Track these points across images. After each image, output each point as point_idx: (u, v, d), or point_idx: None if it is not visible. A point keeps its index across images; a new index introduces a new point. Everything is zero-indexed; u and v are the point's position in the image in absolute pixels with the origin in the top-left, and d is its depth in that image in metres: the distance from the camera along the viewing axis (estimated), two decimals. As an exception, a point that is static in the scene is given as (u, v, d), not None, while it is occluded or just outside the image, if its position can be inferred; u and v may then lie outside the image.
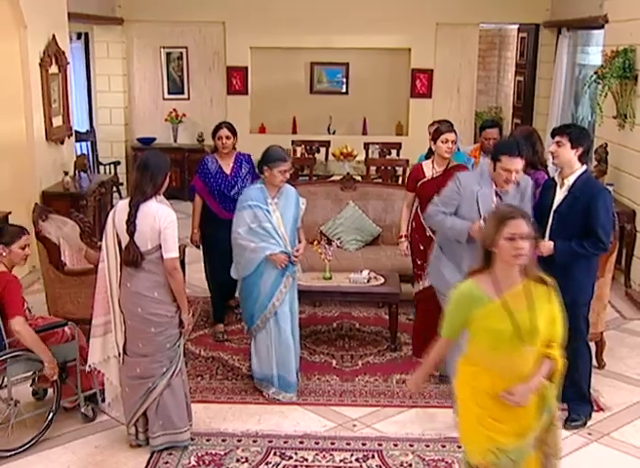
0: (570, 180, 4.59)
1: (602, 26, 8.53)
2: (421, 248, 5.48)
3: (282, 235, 5.03)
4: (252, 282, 5.06)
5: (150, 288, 4.20)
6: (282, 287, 5.05)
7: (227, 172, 5.95)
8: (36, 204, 6.07)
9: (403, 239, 5.75)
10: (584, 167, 4.63)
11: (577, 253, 4.52)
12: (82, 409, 4.74)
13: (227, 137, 5.90)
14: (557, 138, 4.62)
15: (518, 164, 4.54)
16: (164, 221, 4.14)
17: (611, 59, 7.54)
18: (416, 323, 5.75)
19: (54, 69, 7.95)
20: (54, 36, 7.82)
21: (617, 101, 7.67)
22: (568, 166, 4.59)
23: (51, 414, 4.59)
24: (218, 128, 5.96)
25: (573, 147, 4.54)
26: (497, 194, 4.69)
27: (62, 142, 8.22)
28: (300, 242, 5.25)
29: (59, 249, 5.73)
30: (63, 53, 8.12)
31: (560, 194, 4.64)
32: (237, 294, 5.63)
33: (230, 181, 5.93)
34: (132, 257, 4.16)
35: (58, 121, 8.12)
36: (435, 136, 5.41)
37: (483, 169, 4.83)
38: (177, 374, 4.35)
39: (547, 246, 4.52)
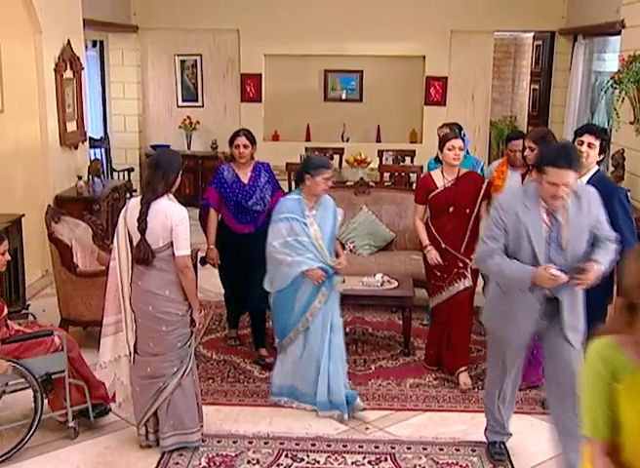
0: (584, 180, 4.51)
1: (619, 32, 8.47)
2: (437, 260, 5.29)
3: (320, 248, 4.82)
4: (286, 295, 4.88)
5: (161, 286, 4.17)
6: (317, 302, 4.84)
7: (245, 181, 5.56)
8: (49, 206, 6.07)
9: (429, 248, 5.29)
10: (597, 166, 4.61)
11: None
12: (70, 424, 4.50)
13: (245, 146, 5.51)
14: (589, 139, 4.48)
15: (568, 177, 3.66)
16: (176, 219, 4.11)
17: (628, 64, 7.47)
18: (431, 331, 5.64)
19: (68, 74, 7.97)
20: (69, 41, 7.84)
21: (634, 107, 7.59)
22: (588, 168, 4.52)
23: (32, 428, 4.30)
24: (235, 136, 5.57)
25: (601, 152, 4.52)
26: (548, 213, 3.83)
27: (76, 147, 8.23)
28: (337, 255, 5.00)
29: (71, 250, 5.72)
30: (78, 58, 8.15)
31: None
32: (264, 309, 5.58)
33: (248, 191, 5.54)
34: (143, 255, 4.13)
35: (72, 126, 8.13)
36: (441, 144, 5.24)
37: (527, 186, 4.04)
38: (187, 374, 4.30)
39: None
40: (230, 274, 5.76)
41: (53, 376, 4.40)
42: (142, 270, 4.19)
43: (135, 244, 4.18)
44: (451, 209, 5.15)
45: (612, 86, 7.68)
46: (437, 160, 6.62)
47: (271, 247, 4.78)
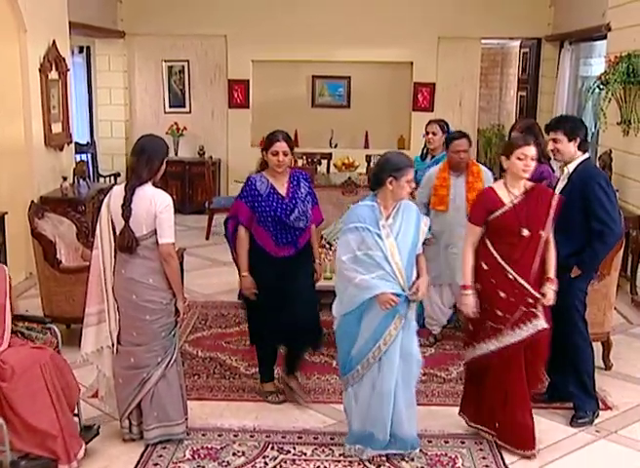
0: (570, 168, 4.61)
1: (605, 36, 8.51)
2: (502, 295, 4.16)
3: (395, 266, 3.97)
4: (353, 319, 4.07)
5: (145, 274, 4.09)
6: (392, 327, 4.01)
7: (283, 193, 4.64)
8: (32, 201, 5.98)
9: (469, 291, 4.25)
10: (586, 154, 4.63)
11: (597, 256, 4.55)
12: None
13: (285, 153, 4.56)
14: (552, 135, 4.63)
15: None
16: (160, 205, 4.05)
17: (614, 65, 7.49)
18: (471, 389, 4.50)
19: (54, 75, 7.91)
20: (54, 42, 7.79)
21: (620, 108, 7.61)
22: (570, 158, 4.59)
23: None
24: (273, 140, 4.59)
25: (570, 140, 4.55)
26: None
27: (62, 149, 8.16)
28: (419, 275, 4.12)
29: (54, 246, 5.63)
30: (64, 59, 8.09)
31: (561, 183, 4.66)
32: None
33: (288, 204, 4.60)
34: (126, 242, 4.05)
35: (57, 127, 8.06)
36: (508, 151, 4.21)
37: None
38: (172, 365, 4.22)
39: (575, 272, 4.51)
40: (266, 308, 4.69)
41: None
42: (126, 258, 4.11)
43: (118, 231, 4.11)
44: (524, 231, 4.12)
45: (598, 87, 7.70)
46: (422, 157, 6.62)
47: (340, 262, 4.04)
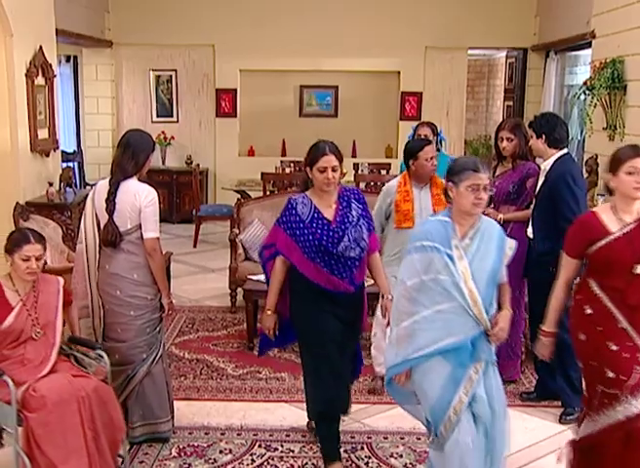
0: (547, 165, 4.67)
1: (589, 45, 8.56)
2: (613, 348, 3.27)
3: (469, 294, 3.22)
4: (423, 369, 3.31)
5: (129, 269, 4.05)
6: (472, 372, 3.26)
7: (329, 217, 3.84)
8: (17, 203, 5.92)
9: (549, 339, 3.59)
10: (564, 151, 4.67)
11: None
12: None
13: (334, 169, 3.79)
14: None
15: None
16: (144, 199, 4.02)
17: (600, 71, 7.54)
18: None
19: (40, 81, 7.85)
20: (41, 48, 7.74)
21: (606, 113, 7.64)
22: (544, 154, 4.70)
23: None
24: (318, 153, 3.82)
25: (538, 137, 4.66)
26: None
27: (48, 155, 8.08)
28: (500, 308, 3.37)
29: (39, 247, 5.57)
30: (50, 65, 8.03)
31: (540, 181, 4.74)
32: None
33: (336, 231, 3.81)
34: (110, 237, 4.02)
35: (43, 133, 7.99)
36: (614, 167, 3.33)
37: None
38: (157, 362, 4.17)
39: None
40: (322, 359, 3.86)
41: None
42: (110, 254, 4.08)
43: (102, 226, 4.07)
44: (638, 268, 3.24)
45: (584, 92, 7.74)
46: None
47: (402, 285, 3.32)
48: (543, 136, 4.63)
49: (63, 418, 3.48)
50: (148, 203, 4.02)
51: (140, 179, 4.12)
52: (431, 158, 4.75)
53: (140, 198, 4.00)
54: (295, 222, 3.84)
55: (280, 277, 3.95)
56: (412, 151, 4.80)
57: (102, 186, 4.12)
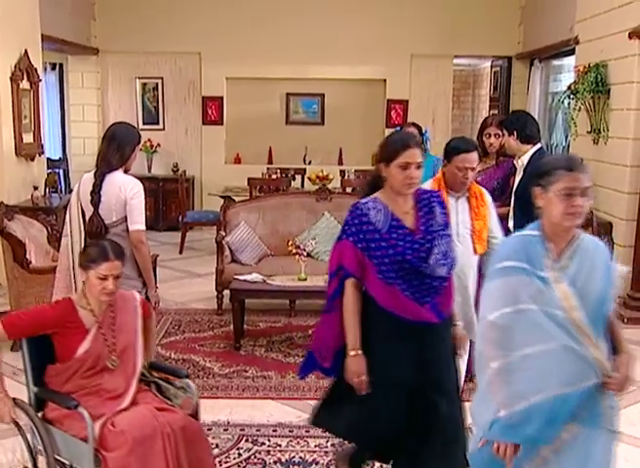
0: (524, 161, 4.78)
1: (573, 52, 8.64)
2: None
3: (577, 329, 2.47)
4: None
5: (115, 262, 4.01)
6: (563, 433, 2.48)
7: (410, 225, 3.10)
8: (1, 202, 5.88)
9: None
10: (538, 146, 4.82)
11: None
12: None
13: (419, 166, 3.06)
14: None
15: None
16: (130, 192, 4.01)
17: (583, 75, 7.60)
18: None
19: (25, 85, 7.84)
20: (26, 51, 7.74)
21: (590, 117, 7.70)
22: (517, 150, 4.83)
23: None
24: (400, 146, 3.06)
25: (510, 134, 4.80)
26: None
27: (33, 159, 8.07)
28: (615, 350, 2.59)
29: (24, 247, 5.54)
30: (36, 70, 8.03)
31: (518, 176, 4.85)
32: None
33: (422, 243, 3.07)
34: (96, 229, 4.00)
35: (28, 138, 7.98)
36: None
37: None
38: (143, 356, 4.10)
39: None
40: (391, 409, 3.06)
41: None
42: (96, 247, 4.04)
43: (87, 218, 4.05)
44: None
45: (568, 96, 7.80)
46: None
47: (484, 321, 2.58)
48: (515, 133, 4.77)
49: (146, 459, 2.95)
50: (134, 195, 4.00)
51: (125, 172, 4.11)
52: (466, 169, 3.90)
53: (125, 190, 3.99)
54: (368, 233, 3.03)
55: (356, 306, 3.07)
56: (449, 151, 4.04)
57: (88, 179, 4.10)
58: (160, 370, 3.53)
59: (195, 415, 3.35)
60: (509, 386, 2.46)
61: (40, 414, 3.22)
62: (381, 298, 3.02)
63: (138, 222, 4.01)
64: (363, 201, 3.12)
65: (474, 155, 3.94)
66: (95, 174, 4.04)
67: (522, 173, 4.75)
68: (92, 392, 3.20)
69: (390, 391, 3.04)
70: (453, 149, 4.00)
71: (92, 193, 3.99)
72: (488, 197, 4.20)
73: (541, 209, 2.61)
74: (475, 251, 4.01)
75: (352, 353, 3.04)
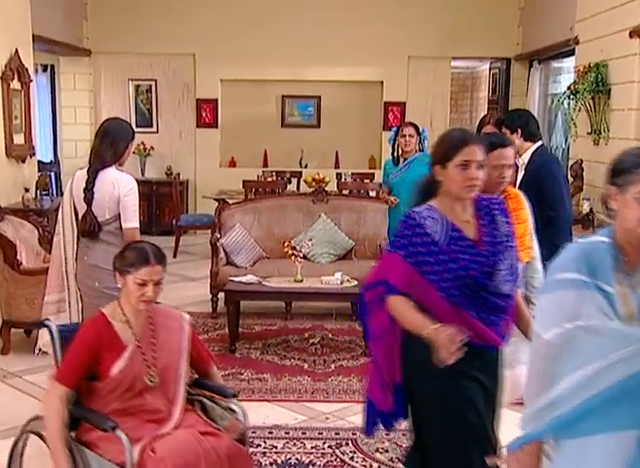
0: (525, 158, 4.71)
1: (572, 52, 8.57)
2: None
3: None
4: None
5: (108, 260, 3.78)
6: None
7: (472, 236, 2.76)
8: (-9, 202, 5.76)
9: None
10: (539, 143, 4.76)
11: (554, 243, 4.22)
12: None
13: (480, 166, 2.71)
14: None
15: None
16: (123, 189, 3.90)
17: (583, 75, 7.53)
18: None
19: (16, 85, 7.72)
20: (17, 51, 7.62)
21: (590, 117, 7.62)
22: (519, 148, 4.71)
23: None
24: (458, 142, 2.73)
25: (513, 132, 4.69)
26: None
27: (24, 161, 7.94)
28: None
29: (15, 247, 5.43)
30: (27, 70, 7.91)
31: (520, 174, 4.75)
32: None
33: (487, 256, 2.73)
34: (89, 227, 3.90)
35: (19, 139, 7.85)
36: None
37: None
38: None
39: None
40: (456, 440, 2.73)
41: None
42: (88, 245, 3.95)
43: (80, 216, 3.94)
44: None
45: (568, 97, 7.73)
46: (396, 161, 6.50)
47: (538, 340, 2.13)
48: (519, 131, 4.69)
49: None
50: (128, 192, 3.90)
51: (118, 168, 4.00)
52: (503, 166, 3.27)
53: (118, 187, 3.88)
54: (424, 245, 2.68)
55: (407, 302, 2.70)
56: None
57: (81, 176, 3.99)
58: (207, 390, 3.21)
59: (242, 440, 3.06)
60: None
61: (73, 434, 2.93)
62: (445, 319, 2.61)
63: (131, 220, 3.90)
64: (417, 209, 2.76)
65: (510, 151, 3.37)
66: (88, 170, 3.94)
67: (524, 170, 4.69)
68: (131, 413, 2.93)
69: (469, 420, 2.67)
70: (490, 143, 3.21)
71: (85, 190, 3.89)
72: (525, 199, 3.66)
73: (615, 212, 2.17)
74: (520, 259, 3.27)
75: (429, 329, 2.58)
